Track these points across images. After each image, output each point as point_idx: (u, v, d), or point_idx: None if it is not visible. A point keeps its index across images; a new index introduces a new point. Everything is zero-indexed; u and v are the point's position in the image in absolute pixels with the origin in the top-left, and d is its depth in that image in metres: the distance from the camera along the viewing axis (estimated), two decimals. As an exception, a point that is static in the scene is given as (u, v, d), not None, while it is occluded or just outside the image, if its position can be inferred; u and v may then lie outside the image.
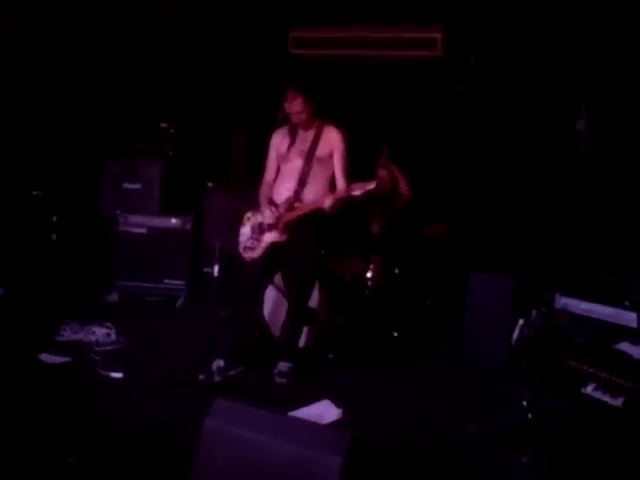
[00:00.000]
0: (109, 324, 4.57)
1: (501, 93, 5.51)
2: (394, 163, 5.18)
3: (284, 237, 4.17)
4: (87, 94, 5.83)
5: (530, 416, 3.32)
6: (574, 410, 3.23)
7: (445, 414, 3.67)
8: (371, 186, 3.92)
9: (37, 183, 5.59)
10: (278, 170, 4.36)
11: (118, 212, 5.63)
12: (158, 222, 5.61)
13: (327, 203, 3.99)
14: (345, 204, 4.10)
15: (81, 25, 5.26)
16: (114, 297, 5.49)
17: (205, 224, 5.74)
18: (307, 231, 4.14)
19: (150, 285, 5.54)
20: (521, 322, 4.23)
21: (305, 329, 4.32)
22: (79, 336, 4.45)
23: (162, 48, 5.73)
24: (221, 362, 3.99)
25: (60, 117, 5.70)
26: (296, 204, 4.17)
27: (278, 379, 4.00)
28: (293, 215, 4.15)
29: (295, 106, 4.14)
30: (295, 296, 4.17)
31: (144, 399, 3.61)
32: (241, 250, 4.30)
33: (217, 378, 3.86)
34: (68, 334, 4.46)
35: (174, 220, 5.60)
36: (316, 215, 4.13)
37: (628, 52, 4.89)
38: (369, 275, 4.76)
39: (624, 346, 3.57)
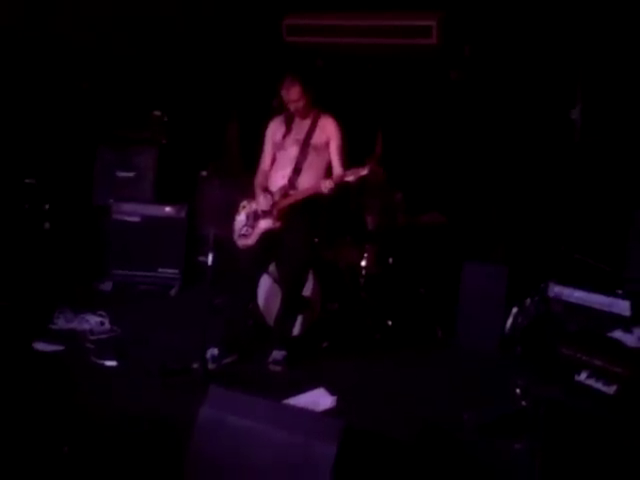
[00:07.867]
0: (103, 312, 4.56)
1: (496, 82, 5.50)
2: (389, 151, 5.18)
3: (278, 224, 4.16)
4: (85, 84, 5.80)
5: (524, 404, 3.34)
6: (568, 397, 3.24)
7: (439, 402, 3.69)
8: (364, 172, 3.92)
9: (30, 171, 5.54)
10: (274, 158, 4.35)
11: (111, 200, 5.60)
12: (152, 211, 5.58)
13: (325, 185, 3.96)
14: (340, 190, 4.09)
15: (74, 14, 5.21)
16: (108, 286, 5.47)
17: (199, 212, 5.72)
18: (301, 219, 4.14)
19: (144, 274, 5.52)
20: (515, 311, 4.23)
21: (299, 317, 4.32)
22: (73, 325, 4.44)
23: (155, 36, 5.68)
24: (215, 350, 3.98)
25: (53, 105, 5.66)
26: (291, 191, 4.16)
27: (272, 367, 4.01)
28: (287, 202, 4.14)
29: (292, 94, 4.12)
30: (289, 284, 4.17)
31: (138, 387, 3.61)
32: (236, 238, 4.30)
33: (211, 366, 3.86)
34: (62, 323, 4.45)
35: (168, 209, 5.57)
36: (310, 203, 4.12)
37: (623, 41, 4.88)
38: (363, 264, 4.76)
39: (617, 334, 3.57)
